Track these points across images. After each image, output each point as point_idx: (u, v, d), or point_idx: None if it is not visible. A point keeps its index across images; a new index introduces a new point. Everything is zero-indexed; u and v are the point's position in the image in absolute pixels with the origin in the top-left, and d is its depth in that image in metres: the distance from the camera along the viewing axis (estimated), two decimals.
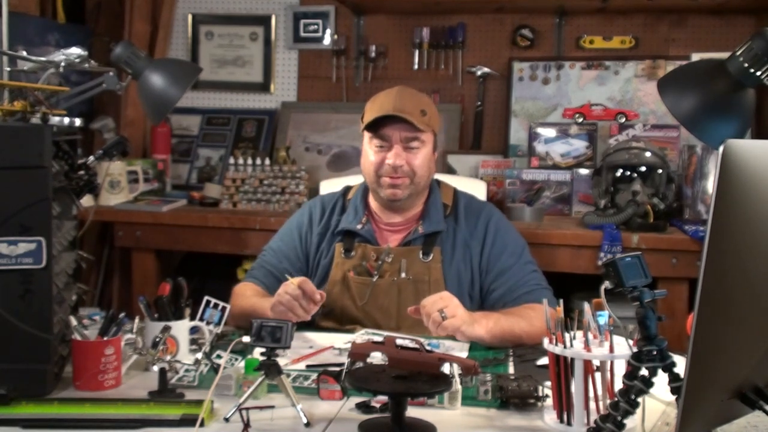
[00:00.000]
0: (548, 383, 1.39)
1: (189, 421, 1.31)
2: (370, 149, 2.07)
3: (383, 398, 1.38)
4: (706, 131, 1.62)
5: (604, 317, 1.35)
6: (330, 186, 2.50)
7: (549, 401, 1.40)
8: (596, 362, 1.33)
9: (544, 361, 1.58)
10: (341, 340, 1.82)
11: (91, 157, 1.69)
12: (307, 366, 1.65)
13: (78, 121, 1.62)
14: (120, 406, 1.38)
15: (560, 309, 1.37)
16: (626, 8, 3.38)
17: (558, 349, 1.32)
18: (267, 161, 3.40)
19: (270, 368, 1.38)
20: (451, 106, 3.56)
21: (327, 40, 3.72)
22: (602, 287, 1.21)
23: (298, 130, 3.70)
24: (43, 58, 1.77)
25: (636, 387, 1.16)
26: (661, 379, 1.19)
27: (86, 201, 1.82)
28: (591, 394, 1.32)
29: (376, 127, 2.03)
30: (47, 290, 1.45)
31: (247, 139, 3.73)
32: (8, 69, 1.82)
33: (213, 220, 3.17)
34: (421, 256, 2.04)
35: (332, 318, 2.06)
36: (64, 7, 3.66)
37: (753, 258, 1.01)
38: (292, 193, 3.26)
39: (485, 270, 2.05)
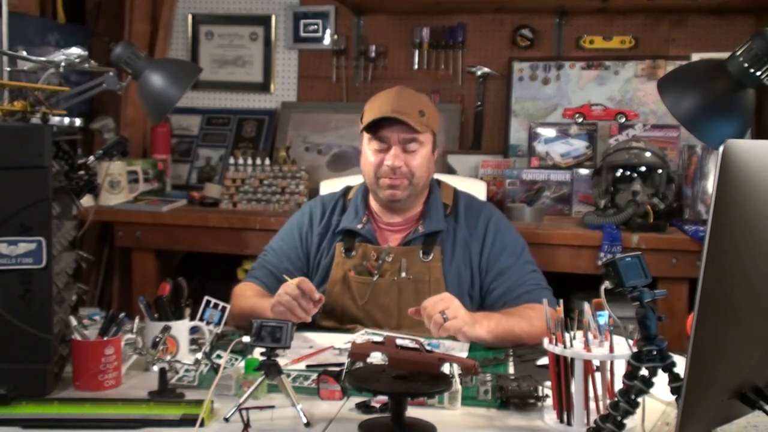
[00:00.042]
0: (548, 383, 1.39)
1: (189, 421, 1.31)
2: (368, 150, 2.07)
3: (383, 398, 1.38)
4: (706, 131, 1.62)
5: (604, 317, 1.35)
6: (330, 186, 2.50)
7: (549, 401, 1.40)
8: (596, 362, 1.33)
9: (544, 361, 1.58)
10: (341, 340, 1.82)
11: (91, 157, 1.69)
12: (307, 366, 1.65)
13: (78, 121, 1.62)
14: (120, 406, 1.38)
15: (560, 309, 1.37)
16: (626, 8, 3.38)
17: (558, 349, 1.32)
18: (267, 161, 3.40)
19: (270, 368, 1.38)
20: (451, 106, 3.56)
21: (327, 40, 3.72)
22: (602, 287, 1.21)
23: (298, 130, 3.70)
24: (43, 58, 1.77)
25: (636, 387, 1.16)
26: (661, 379, 1.19)
27: (86, 201, 1.82)
28: (591, 394, 1.32)
29: (374, 128, 2.03)
30: (47, 290, 1.45)
31: (247, 139, 3.73)
32: (8, 69, 1.82)
33: (213, 220, 3.17)
34: (421, 255, 2.04)
35: (333, 317, 2.06)
36: (64, 7, 3.66)
37: (753, 258, 1.01)
38: (292, 193, 3.26)
39: (485, 270, 2.05)
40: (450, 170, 3.35)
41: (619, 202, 2.92)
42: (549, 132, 3.40)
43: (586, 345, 1.32)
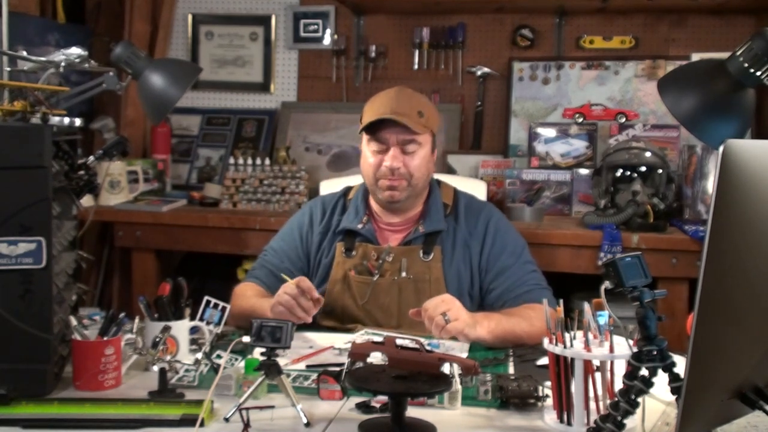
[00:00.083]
0: (548, 383, 1.39)
1: (189, 421, 1.31)
2: (367, 151, 2.07)
3: (383, 398, 1.38)
4: (706, 131, 1.62)
5: (604, 317, 1.35)
6: (330, 186, 2.50)
7: (549, 401, 1.40)
8: (596, 362, 1.33)
9: (544, 361, 1.58)
10: (341, 340, 1.82)
11: (91, 157, 1.69)
12: (307, 366, 1.65)
13: (78, 121, 1.62)
14: (120, 406, 1.38)
15: (560, 309, 1.37)
16: (626, 8, 3.38)
17: (558, 349, 1.32)
18: (267, 161, 3.40)
19: (270, 368, 1.38)
20: (451, 106, 3.56)
21: (327, 40, 3.72)
22: (602, 287, 1.21)
23: (298, 130, 3.70)
24: (43, 58, 1.77)
25: (636, 387, 1.16)
26: (661, 379, 1.19)
27: (86, 201, 1.83)
28: (591, 394, 1.32)
29: (373, 129, 2.03)
30: (47, 290, 1.45)
31: (247, 139, 3.73)
32: (8, 69, 1.82)
33: (213, 220, 3.17)
34: (421, 255, 2.04)
35: (333, 317, 2.06)
36: (64, 7, 3.66)
37: (753, 258, 1.01)
38: (292, 193, 3.26)
39: (485, 269, 2.05)
40: (450, 170, 3.36)
41: (619, 202, 2.92)
42: (549, 132, 3.40)
43: (586, 345, 1.32)
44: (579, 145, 3.37)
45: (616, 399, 1.17)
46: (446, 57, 3.58)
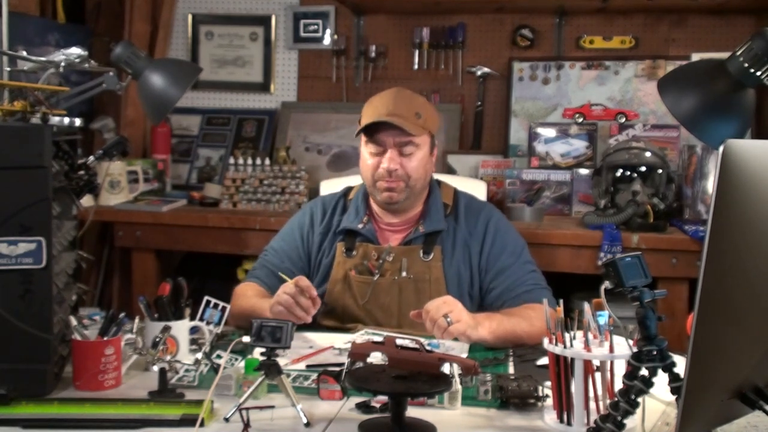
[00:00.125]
0: (548, 383, 1.39)
1: (189, 421, 1.31)
2: (366, 153, 2.08)
3: (383, 398, 1.38)
4: (706, 131, 1.62)
5: (604, 317, 1.35)
6: (330, 186, 2.50)
7: (549, 401, 1.40)
8: (596, 362, 1.33)
9: (544, 361, 1.58)
10: (341, 340, 1.82)
11: (91, 157, 1.69)
12: (307, 366, 1.65)
13: (78, 121, 1.62)
14: (120, 406, 1.38)
15: (560, 309, 1.37)
16: (626, 8, 3.38)
17: (558, 349, 1.32)
18: (267, 161, 3.40)
19: (270, 368, 1.38)
20: (451, 106, 3.56)
21: (327, 40, 3.72)
22: (602, 287, 1.21)
23: (298, 130, 3.70)
24: (43, 58, 1.77)
25: (636, 387, 1.16)
26: (661, 379, 1.19)
27: (86, 201, 1.83)
28: (591, 394, 1.32)
29: (370, 131, 2.04)
30: (47, 290, 1.45)
31: (247, 139, 3.73)
32: (8, 69, 1.82)
33: (213, 220, 3.17)
34: (421, 255, 2.04)
35: (334, 316, 2.06)
36: (64, 7, 3.66)
37: (753, 258, 1.01)
38: (292, 193, 3.26)
39: (484, 269, 2.05)
40: (450, 170, 3.36)
41: (619, 202, 2.92)
42: (549, 132, 3.40)
43: (586, 345, 1.32)
44: (579, 145, 3.37)
45: (616, 399, 1.17)
46: (446, 57, 3.58)
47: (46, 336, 1.45)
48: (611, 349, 1.32)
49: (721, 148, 0.93)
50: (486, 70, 3.54)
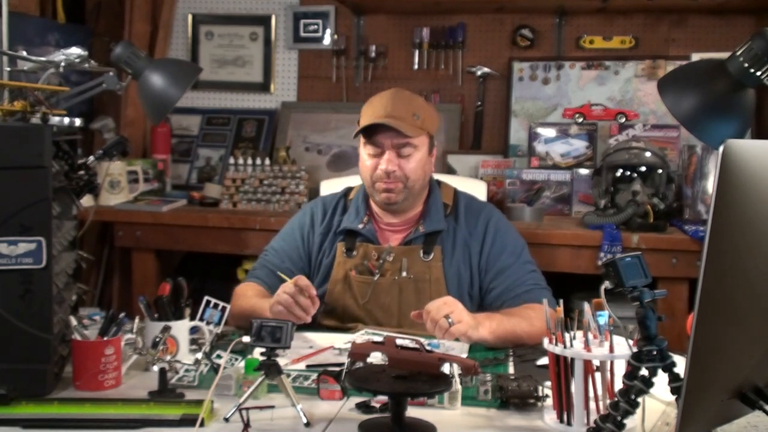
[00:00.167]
0: (548, 383, 1.39)
1: (189, 421, 1.31)
2: (364, 154, 2.08)
3: (383, 398, 1.38)
4: (706, 131, 1.62)
5: (604, 317, 1.35)
6: (330, 186, 2.50)
7: (549, 401, 1.40)
8: (596, 362, 1.33)
9: (544, 361, 1.58)
10: (341, 340, 1.82)
11: (91, 157, 1.69)
12: (307, 366, 1.65)
13: (78, 121, 1.62)
14: (120, 406, 1.38)
15: (560, 309, 1.37)
16: (626, 8, 3.38)
17: (558, 349, 1.32)
18: (267, 161, 3.40)
19: (270, 368, 1.38)
20: (451, 106, 3.56)
21: (327, 40, 3.72)
22: (602, 287, 1.21)
23: (298, 130, 3.70)
24: (43, 58, 1.77)
25: (636, 387, 1.16)
26: (661, 379, 1.19)
27: (86, 201, 1.82)
28: (591, 394, 1.32)
29: (368, 133, 2.04)
30: (47, 290, 1.45)
31: (247, 139, 3.73)
32: (8, 69, 1.82)
33: (213, 220, 3.17)
34: (421, 255, 2.04)
35: (334, 316, 2.07)
36: (64, 7, 3.66)
37: (753, 258, 1.01)
38: (292, 193, 3.26)
39: (484, 269, 2.05)
40: (450, 170, 3.36)
41: (619, 202, 2.92)
42: (549, 132, 3.40)
43: (586, 345, 1.32)
44: (579, 145, 3.37)
45: (616, 399, 1.17)
46: (446, 57, 3.58)
47: (46, 336, 1.45)
48: (611, 349, 1.32)
49: (721, 148, 0.93)
50: (486, 70, 3.54)
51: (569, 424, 1.32)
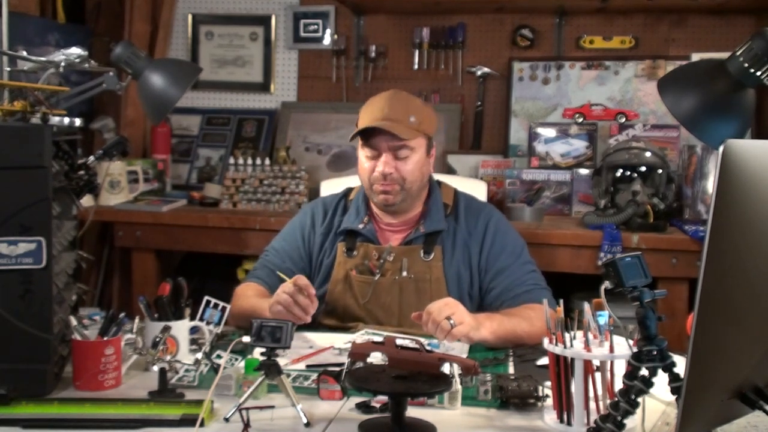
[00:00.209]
0: (548, 383, 1.39)
1: (189, 421, 1.31)
2: (362, 156, 2.08)
3: (383, 398, 1.38)
4: (706, 131, 1.62)
5: (604, 317, 1.35)
6: (330, 186, 2.50)
7: (549, 401, 1.40)
8: (596, 362, 1.33)
9: (544, 361, 1.58)
10: (341, 340, 1.82)
11: (91, 157, 1.69)
12: (307, 366, 1.65)
13: (78, 121, 1.62)
14: (120, 406, 1.38)
15: (560, 309, 1.37)
16: (626, 8, 3.38)
17: (558, 349, 1.32)
18: (267, 161, 3.40)
19: (270, 368, 1.38)
20: (451, 106, 3.56)
21: (327, 40, 3.72)
22: (602, 287, 1.21)
23: (298, 130, 3.70)
24: (43, 58, 1.77)
25: (636, 387, 1.16)
26: (661, 379, 1.19)
27: (86, 201, 1.82)
28: (591, 394, 1.32)
29: (365, 135, 2.04)
30: (47, 290, 1.45)
31: (247, 139, 3.73)
32: (8, 69, 1.82)
33: (213, 220, 3.17)
34: (422, 255, 2.05)
35: (335, 316, 2.07)
36: (64, 7, 3.66)
37: (753, 258, 1.01)
38: (292, 193, 3.26)
39: (484, 269, 2.05)
40: (450, 170, 3.36)
41: (619, 202, 2.92)
42: (549, 132, 3.40)
43: (586, 345, 1.32)
44: (579, 145, 3.37)
45: (616, 399, 1.17)
46: (446, 57, 3.58)
47: (46, 336, 1.45)
48: (611, 349, 1.32)
49: (721, 148, 0.93)
50: (486, 70, 3.54)
51: (569, 424, 1.32)
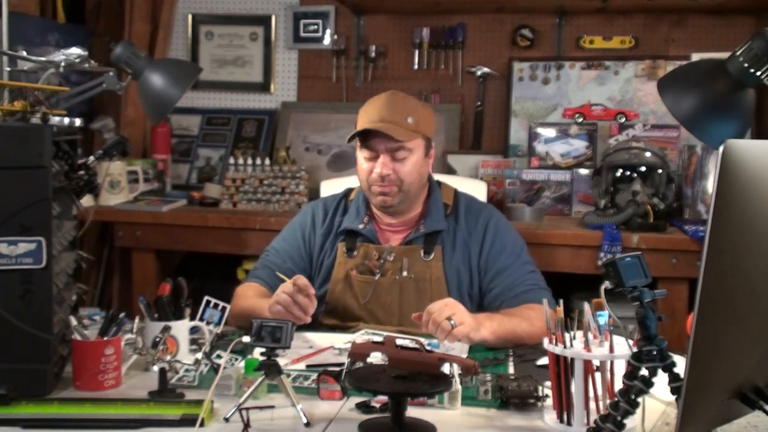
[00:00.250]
0: (548, 383, 1.39)
1: (189, 421, 1.31)
2: (360, 158, 2.08)
3: (383, 398, 1.38)
4: (706, 131, 1.62)
5: (604, 317, 1.35)
6: (330, 186, 2.51)
7: (549, 401, 1.40)
8: (596, 362, 1.33)
9: (544, 361, 1.58)
10: (341, 340, 1.82)
11: (91, 157, 1.69)
12: (307, 366, 1.65)
13: (78, 121, 1.62)
14: (120, 406, 1.38)
15: (560, 309, 1.37)
16: (626, 8, 3.38)
17: (558, 349, 1.32)
18: (267, 161, 3.40)
19: (270, 368, 1.38)
20: (451, 106, 3.56)
21: (327, 40, 3.72)
22: (602, 287, 1.21)
23: (298, 130, 3.70)
24: (43, 58, 1.77)
25: (636, 387, 1.16)
26: (661, 379, 1.19)
27: (86, 201, 1.83)
28: (591, 394, 1.32)
29: (363, 137, 2.04)
30: (47, 290, 1.45)
31: (247, 139, 3.73)
32: (8, 69, 1.82)
33: (213, 220, 3.17)
34: (422, 254, 2.05)
35: (335, 316, 2.07)
36: (64, 7, 3.66)
37: (753, 258, 1.01)
38: (292, 193, 3.26)
39: (484, 269, 2.05)
40: (450, 170, 3.36)
41: (619, 202, 2.92)
42: (549, 132, 3.40)
43: (586, 345, 1.32)
44: (579, 145, 3.37)
45: (616, 399, 1.17)
46: (446, 57, 3.58)
47: (46, 336, 1.45)
48: (611, 349, 1.32)
49: (721, 148, 0.93)
50: (486, 70, 3.54)
51: (569, 424, 1.32)
